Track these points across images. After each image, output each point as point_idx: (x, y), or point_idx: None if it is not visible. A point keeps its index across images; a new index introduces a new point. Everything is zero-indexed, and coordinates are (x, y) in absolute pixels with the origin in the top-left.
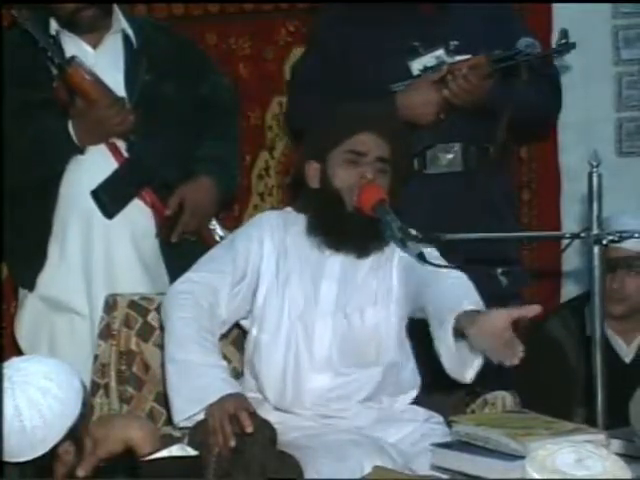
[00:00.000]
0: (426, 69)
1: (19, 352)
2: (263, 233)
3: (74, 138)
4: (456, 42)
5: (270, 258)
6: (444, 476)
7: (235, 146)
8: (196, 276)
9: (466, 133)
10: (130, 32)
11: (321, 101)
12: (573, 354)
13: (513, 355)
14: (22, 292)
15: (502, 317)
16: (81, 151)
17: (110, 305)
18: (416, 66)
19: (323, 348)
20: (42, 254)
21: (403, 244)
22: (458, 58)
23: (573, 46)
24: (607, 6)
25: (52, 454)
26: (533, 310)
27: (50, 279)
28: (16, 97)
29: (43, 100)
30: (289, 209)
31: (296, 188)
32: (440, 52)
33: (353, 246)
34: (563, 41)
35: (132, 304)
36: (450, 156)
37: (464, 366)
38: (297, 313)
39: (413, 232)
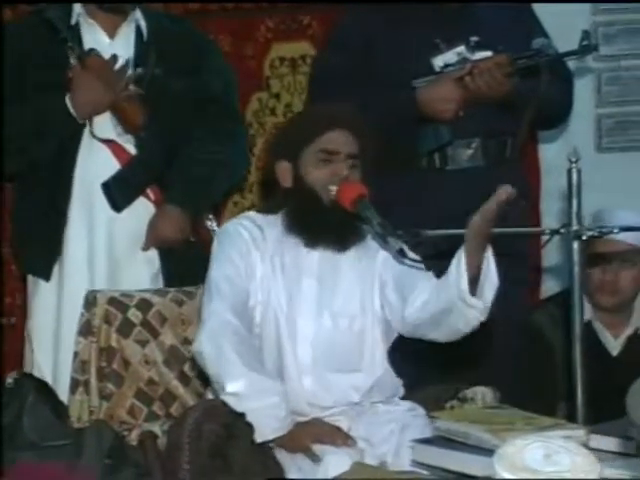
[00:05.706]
0: (447, 66)
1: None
2: (249, 244)
3: (72, 112)
4: (476, 38)
5: (257, 265)
6: (424, 472)
7: (239, 130)
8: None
9: (484, 128)
10: (142, 23)
11: (342, 99)
12: (559, 347)
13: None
14: (32, 280)
15: (484, 214)
16: (81, 126)
17: (90, 301)
18: (438, 62)
19: (306, 349)
20: (58, 244)
21: (383, 240)
22: (478, 54)
23: (595, 48)
24: (586, 3)
25: None
26: (506, 192)
27: (59, 269)
28: (28, 78)
29: (52, 82)
30: (251, 213)
31: (266, 188)
32: (461, 48)
33: (331, 240)
34: (585, 43)
35: (112, 300)
36: (470, 151)
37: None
38: (282, 313)
39: (393, 228)
